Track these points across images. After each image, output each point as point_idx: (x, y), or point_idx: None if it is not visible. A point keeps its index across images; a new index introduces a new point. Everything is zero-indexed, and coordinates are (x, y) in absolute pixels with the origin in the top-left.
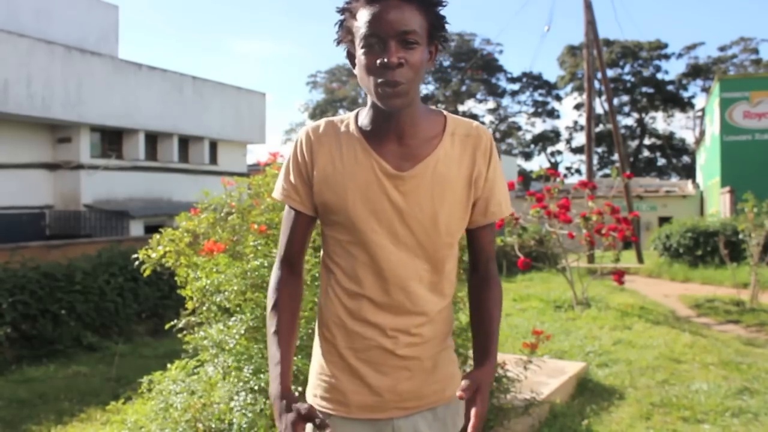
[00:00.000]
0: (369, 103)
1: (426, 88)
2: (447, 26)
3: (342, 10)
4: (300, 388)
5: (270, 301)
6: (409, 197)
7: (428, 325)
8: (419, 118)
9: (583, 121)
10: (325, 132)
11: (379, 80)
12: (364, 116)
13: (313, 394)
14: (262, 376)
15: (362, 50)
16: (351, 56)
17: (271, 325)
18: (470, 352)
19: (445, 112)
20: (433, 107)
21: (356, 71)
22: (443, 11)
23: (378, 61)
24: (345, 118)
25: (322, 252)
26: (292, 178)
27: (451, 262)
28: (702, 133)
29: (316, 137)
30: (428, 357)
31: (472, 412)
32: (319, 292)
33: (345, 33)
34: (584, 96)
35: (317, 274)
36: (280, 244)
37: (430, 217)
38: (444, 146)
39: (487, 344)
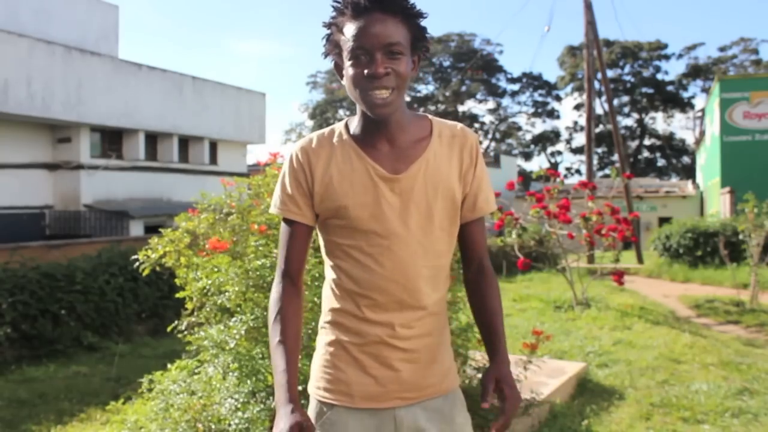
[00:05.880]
0: (358, 112)
1: (426, 89)
2: (427, 37)
3: (328, 25)
4: (300, 387)
5: (272, 313)
6: (405, 197)
7: (427, 318)
8: (406, 122)
9: (583, 121)
10: (319, 143)
11: (368, 91)
12: (355, 125)
13: (317, 386)
14: (261, 378)
15: (350, 62)
16: (338, 68)
17: (274, 335)
18: (470, 352)
19: (429, 116)
20: (419, 111)
21: (344, 82)
22: (424, 23)
23: (365, 72)
24: (335, 128)
25: (323, 254)
26: (289, 190)
27: (446, 256)
28: (702, 133)
29: (311, 149)
30: (427, 349)
31: (505, 401)
32: (320, 292)
33: (332, 46)
34: (584, 96)
35: (317, 274)
36: (280, 259)
37: (426, 215)
38: (433, 147)
39: (495, 340)
